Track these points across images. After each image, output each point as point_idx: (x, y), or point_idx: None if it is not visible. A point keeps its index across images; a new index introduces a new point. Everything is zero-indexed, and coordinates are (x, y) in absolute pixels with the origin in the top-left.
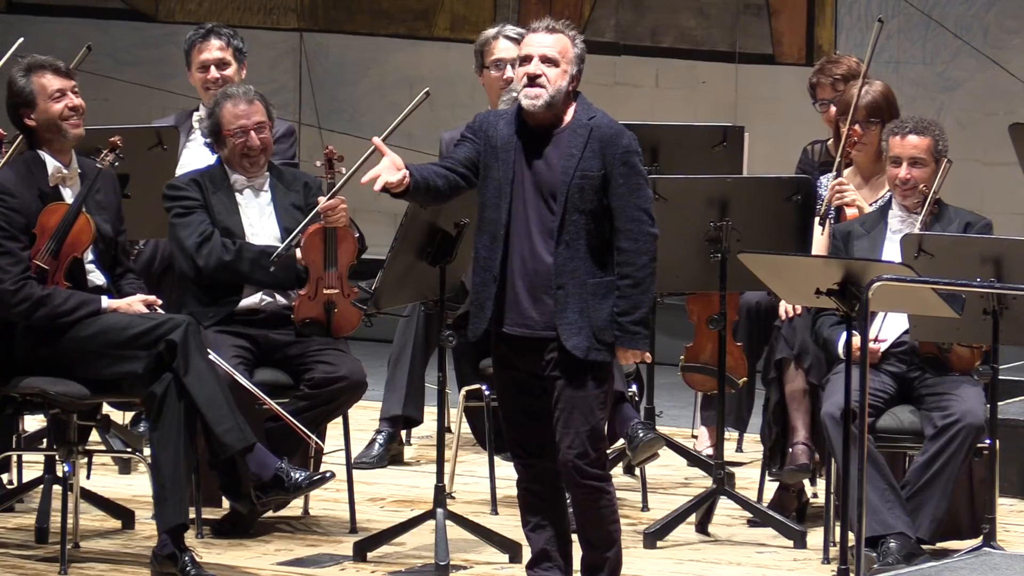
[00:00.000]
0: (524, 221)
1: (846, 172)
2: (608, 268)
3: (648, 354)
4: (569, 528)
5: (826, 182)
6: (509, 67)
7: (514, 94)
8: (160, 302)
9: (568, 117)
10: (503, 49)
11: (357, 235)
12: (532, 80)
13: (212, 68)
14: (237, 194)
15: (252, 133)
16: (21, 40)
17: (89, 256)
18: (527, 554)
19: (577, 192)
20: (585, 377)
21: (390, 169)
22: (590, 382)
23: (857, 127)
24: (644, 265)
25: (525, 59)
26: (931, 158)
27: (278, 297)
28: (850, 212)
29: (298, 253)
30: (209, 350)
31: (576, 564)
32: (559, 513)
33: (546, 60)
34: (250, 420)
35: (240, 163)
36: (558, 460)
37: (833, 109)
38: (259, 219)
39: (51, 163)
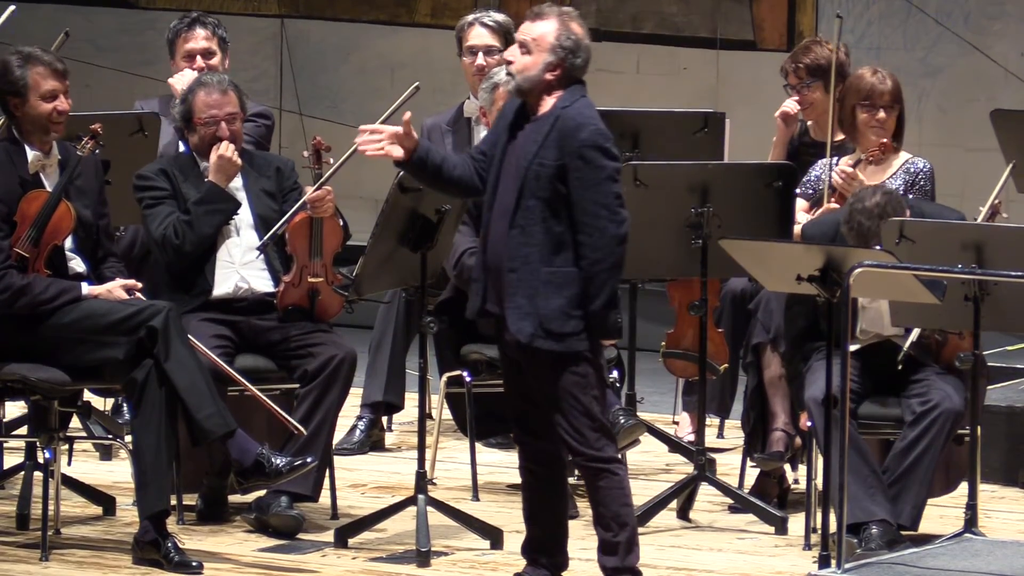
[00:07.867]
0: (498, 206)
1: (844, 159)
2: (568, 259)
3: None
4: (567, 512)
5: (822, 165)
6: (480, 55)
7: (494, 80)
8: (140, 286)
9: (547, 107)
10: (476, 36)
11: (342, 223)
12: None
13: (198, 58)
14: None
15: (223, 123)
16: (12, 8)
17: (69, 243)
18: (508, 540)
19: (534, 179)
20: (555, 366)
21: (396, 135)
22: (561, 371)
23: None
24: (598, 261)
25: (514, 44)
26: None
27: (253, 285)
28: (832, 205)
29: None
30: (190, 336)
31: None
32: (558, 495)
33: (521, 45)
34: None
35: (209, 152)
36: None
37: (804, 94)
38: None
39: (31, 151)
